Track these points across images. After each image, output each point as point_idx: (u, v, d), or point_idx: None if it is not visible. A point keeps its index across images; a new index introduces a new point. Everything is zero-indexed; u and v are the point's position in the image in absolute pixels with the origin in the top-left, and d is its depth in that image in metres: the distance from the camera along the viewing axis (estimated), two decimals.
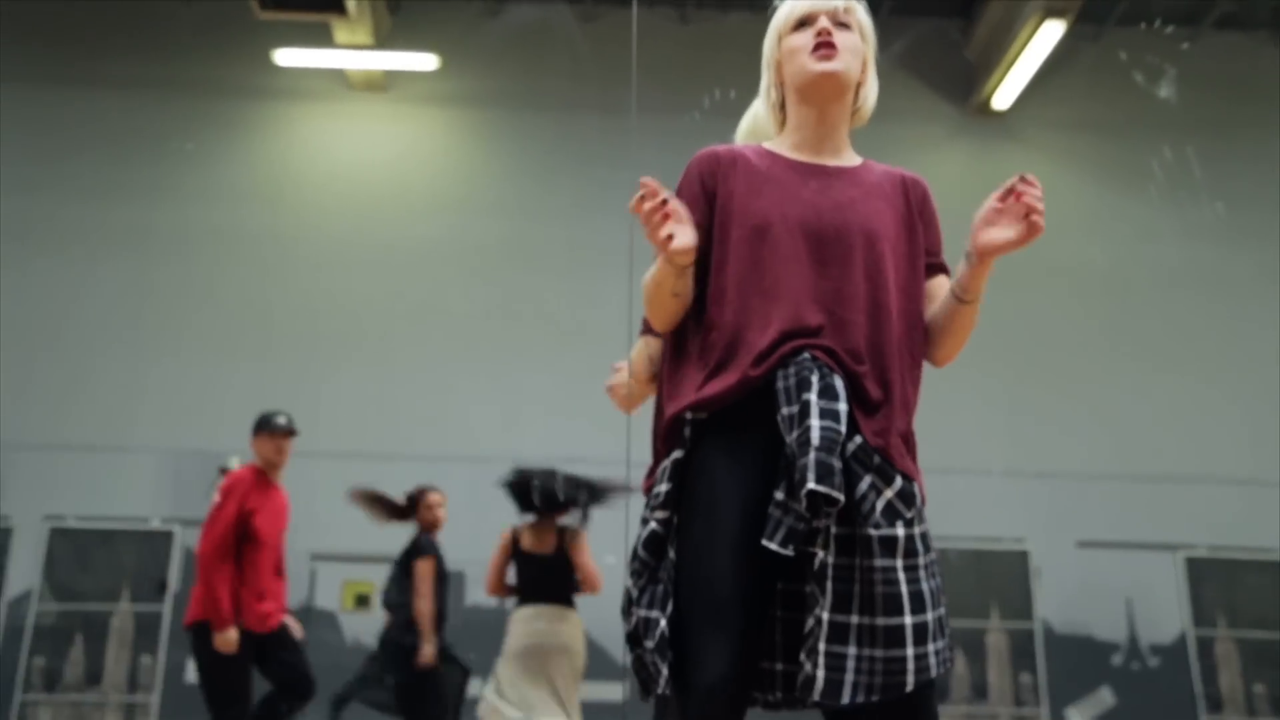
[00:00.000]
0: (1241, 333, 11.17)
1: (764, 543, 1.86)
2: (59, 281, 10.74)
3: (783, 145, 2.27)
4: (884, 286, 2.07)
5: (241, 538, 5.41)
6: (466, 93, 11.58)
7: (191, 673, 9.81)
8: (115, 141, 11.11)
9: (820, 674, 1.82)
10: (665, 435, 2.09)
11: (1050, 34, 10.33)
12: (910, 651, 1.84)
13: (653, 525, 2.00)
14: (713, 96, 11.18)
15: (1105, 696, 10.40)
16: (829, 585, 1.86)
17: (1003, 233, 2.02)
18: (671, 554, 1.99)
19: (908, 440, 2.05)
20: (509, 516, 10.24)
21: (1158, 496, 10.68)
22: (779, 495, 1.90)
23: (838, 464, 1.84)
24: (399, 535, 8.36)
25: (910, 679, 1.84)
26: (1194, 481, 10.70)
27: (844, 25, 2.21)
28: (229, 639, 5.19)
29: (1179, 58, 11.81)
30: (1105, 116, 11.81)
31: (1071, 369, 11.01)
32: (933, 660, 1.87)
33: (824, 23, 2.19)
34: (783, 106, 2.30)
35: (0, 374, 10.15)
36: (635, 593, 1.98)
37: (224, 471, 10.25)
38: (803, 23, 2.22)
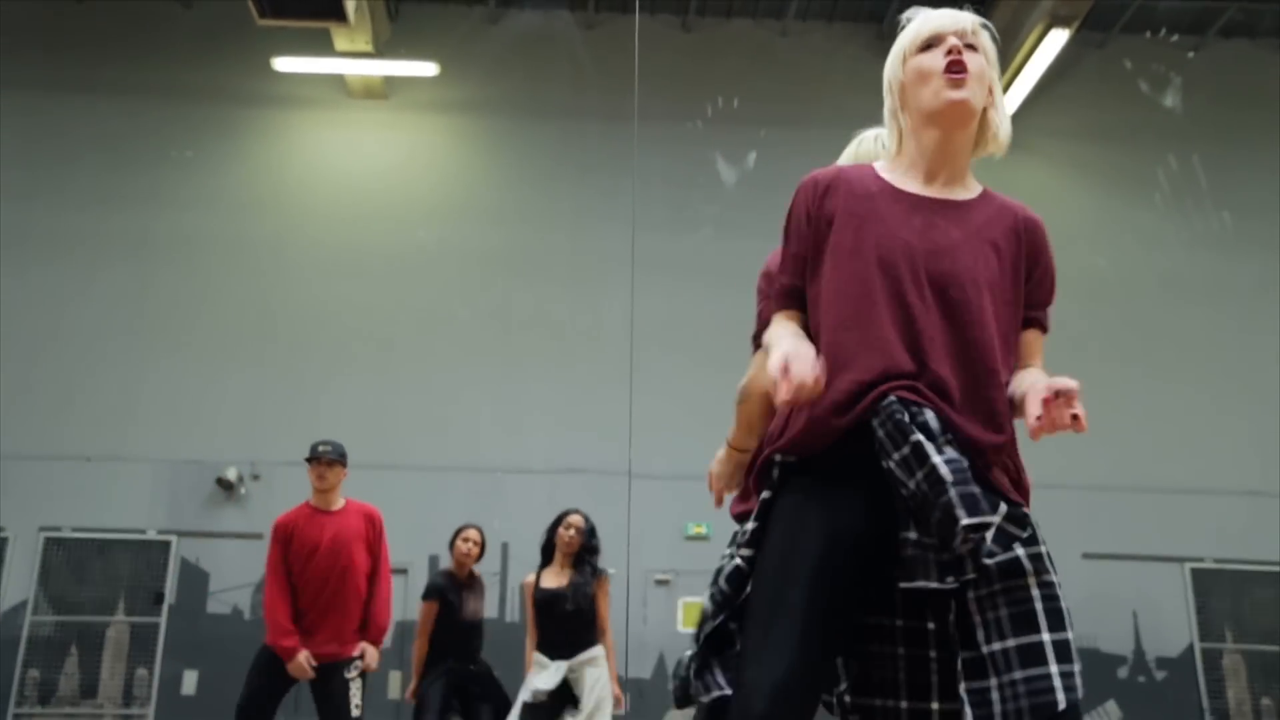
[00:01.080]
0: (1247, 344, 11.09)
1: (917, 584, 1.83)
2: (56, 289, 10.66)
3: (894, 171, 2.18)
4: (975, 338, 2.02)
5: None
6: (467, 100, 11.52)
7: (187, 685, 9.74)
8: (113, 148, 11.05)
9: (969, 712, 1.78)
10: (757, 475, 2.08)
11: (1055, 42, 10.28)
12: (1055, 669, 1.77)
13: (737, 561, 2.01)
14: (715, 104, 11.18)
15: (1112, 710, 10.30)
16: (952, 627, 1.86)
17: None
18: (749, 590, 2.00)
19: (1015, 480, 2.03)
20: (510, 526, 10.18)
21: (1163, 508, 10.59)
22: (912, 535, 1.86)
23: (978, 489, 1.83)
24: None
25: (1061, 696, 1.75)
26: (1199, 493, 10.61)
27: (971, 47, 2.13)
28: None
29: (1184, 66, 11.77)
30: (1110, 124, 11.74)
31: (1076, 379, 10.91)
32: (1078, 680, 1.80)
33: (953, 42, 2.11)
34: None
35: None
36: (709, 619, 2.03)
37: (220, 481, 10.22)
38: (930, 44, 2.14)
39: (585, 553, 6.06)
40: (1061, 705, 1.75)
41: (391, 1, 11.45)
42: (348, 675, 5.45)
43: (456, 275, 10.98)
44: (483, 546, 6.74)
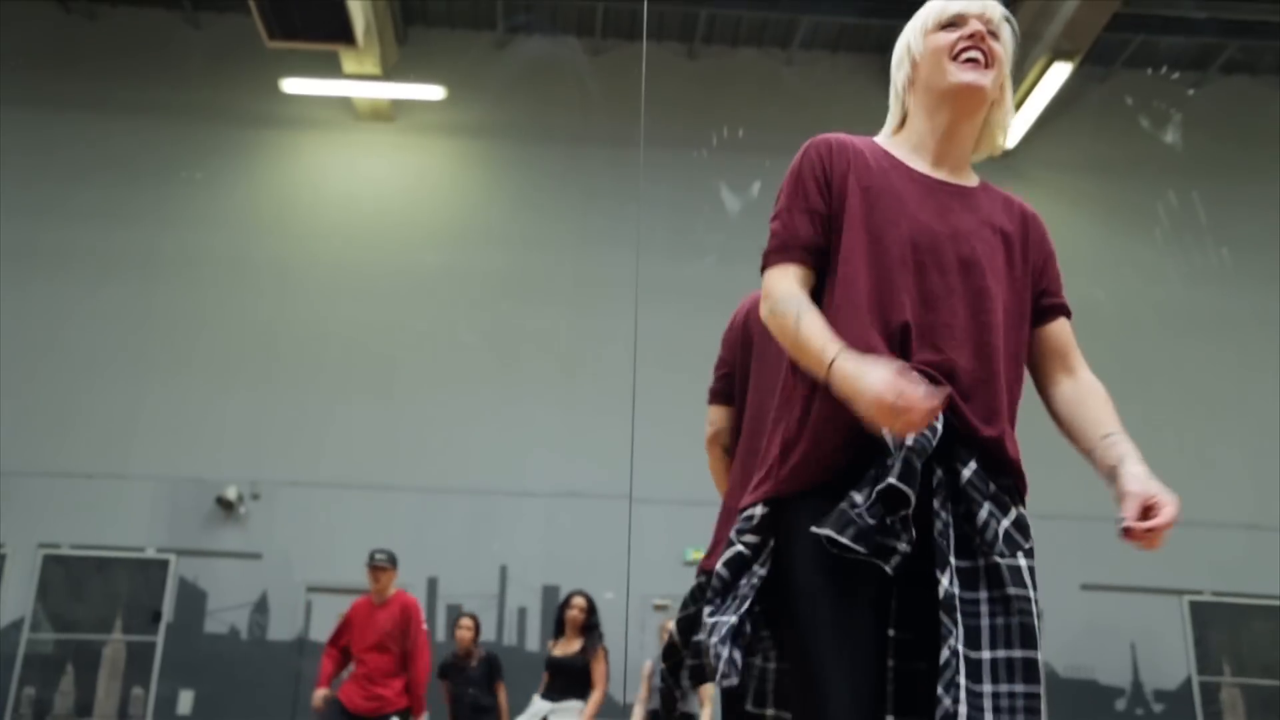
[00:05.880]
0: (1245, 376, 11.12)
1: (827, 532, 1.76)
2: (59, 305, 10.70)
3: (900, 147, 2.10)
4: (991, 324, 1.96)
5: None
6: (473, 124, 11.59)
7: (183, 705, 9.72)
8: (121, 166, 11.11)
9: (963, 709, 1.71)
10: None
11: (1057, 75, 10.35)
12: (1040, 689, 1.77)
13: (738, 547, 1.94)
14: (720, 132, 11.24)
15: None
16: (959, 619, 1.77)
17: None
18: (755, 574, 1.91)
19: (1018, 476, 1.99)
20: (509, 550, 10.18)
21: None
22: (856, 497, 1.80)
23: (919, 466, 1.78)
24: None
25: (1043, 716, 1.77)
26: (1198, 526, 10.55)
27: (994, 35, 2.06)
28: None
29: (1185, 101, 11.84)
30: (1111, 158, 11.80)
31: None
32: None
33: (976, 26, 2.04)
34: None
35: None
36: (708, 609, 1.93)
37: (220, 500, 10.22)
38: (954, 23, 2.05)
39: (589, 628, 7.14)
40: None
41: (400, 25, 11.55)
42: None
43: (460, 298, 11.02)
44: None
